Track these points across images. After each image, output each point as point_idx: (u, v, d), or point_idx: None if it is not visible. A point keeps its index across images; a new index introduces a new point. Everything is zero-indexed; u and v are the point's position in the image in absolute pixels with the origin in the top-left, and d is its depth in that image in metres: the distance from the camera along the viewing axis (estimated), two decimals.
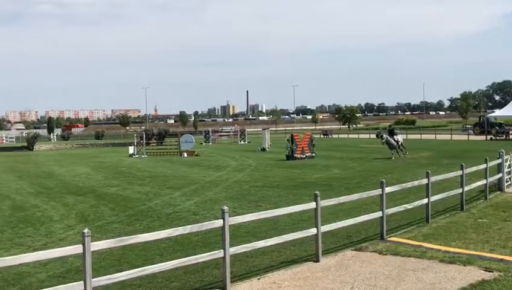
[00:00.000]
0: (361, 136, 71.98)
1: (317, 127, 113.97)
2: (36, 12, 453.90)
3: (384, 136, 32.43)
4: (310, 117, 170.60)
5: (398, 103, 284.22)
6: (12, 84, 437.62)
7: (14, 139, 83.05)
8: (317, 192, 9.69)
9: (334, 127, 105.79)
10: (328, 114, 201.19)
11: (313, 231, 9.52)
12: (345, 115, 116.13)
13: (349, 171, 24.59)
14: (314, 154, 33.78)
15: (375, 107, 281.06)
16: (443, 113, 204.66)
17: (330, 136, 76.94)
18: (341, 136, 76.10)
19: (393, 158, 29.99)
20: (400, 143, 31.77)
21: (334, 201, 10.58)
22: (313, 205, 9.55)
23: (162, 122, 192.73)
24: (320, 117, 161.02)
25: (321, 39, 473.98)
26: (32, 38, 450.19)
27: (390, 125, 34.71)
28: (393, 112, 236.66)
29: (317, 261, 9.34)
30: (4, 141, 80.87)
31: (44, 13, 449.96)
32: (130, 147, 43.08)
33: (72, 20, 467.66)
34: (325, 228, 9.78)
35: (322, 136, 75.64)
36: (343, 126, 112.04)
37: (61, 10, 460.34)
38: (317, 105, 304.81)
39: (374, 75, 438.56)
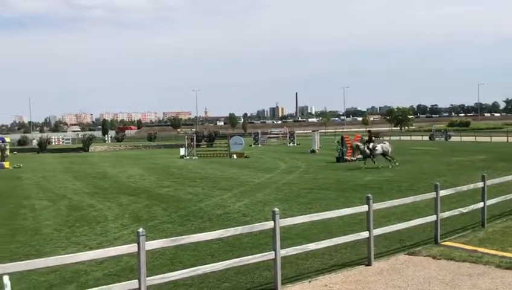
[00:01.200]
0: (414, 138, 70.60)
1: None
2: (89, 17, 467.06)
3: (356, 143, 30.03)
4: (360, 119, 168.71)
5: (451, 105, 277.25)
6: (68, 87, 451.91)
7: (70, 141, 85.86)
8: (369, 195, 9.58)
9: (385, 129, 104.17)
10: (379, 116, 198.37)
11: (365, 234, 9.40)
12: (396, 117, 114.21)
13: (401, 174, 24.13)
14: None
15: (428, 109, 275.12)
16: (498, 114, 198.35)
17: (381, 139, 75.64)
18: (392, 138, 74.78)
19: (363, 167, 27.15)
20: (376, 151, 28.09)
21: (386, 204, 10.41)
22: (365, 207, 9.44)
23: (212, 124, 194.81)
24: (371, 119, 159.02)
25: (372, 40, 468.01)
26: (87, 43, 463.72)
27: (369, 131, 31.13)
28: (446, 114, 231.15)
29: (369, 264, 9.21)
30: (61, 143, 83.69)
31: (97, 18, 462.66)
32: (181, 149, 43.72)
33: (123, 25, 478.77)
34: (377, 231, 9.64)
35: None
36: (395, 128, 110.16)
37: (112, 15, 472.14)
38: (368, 107, 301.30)
39: (426, 76, 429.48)
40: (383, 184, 20.47)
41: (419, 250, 10.07)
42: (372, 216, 9.39)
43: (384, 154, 28.18)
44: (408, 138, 71.61)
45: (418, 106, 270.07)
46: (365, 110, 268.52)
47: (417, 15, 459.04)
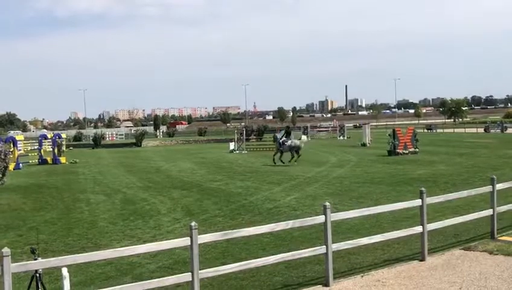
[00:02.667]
0: (468, 130, 68.70)
1: (421, 122, 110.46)
2: (142, 14, 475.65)
3: (274, 135, 29.76)
4: (412, 111, 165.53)
5: (507, 96, 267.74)
6: (121, 84, 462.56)
7: (123, 136, 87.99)
8: (422, 189, 9.39)
9: (439, 122, 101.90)
10: (432, 108, 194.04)
11: (419, 229, 9.22)
12: (450, 109, 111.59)
13: (456, 167, 23.54)
14: (417, 149, 32.69)
15: (483, 100, 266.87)
16: None
17: (434, 131, 74.24)
18: (446, 130, 73.09)
19: (275, 163, 27.32)
20: (285, 146, 27.78)
21: (441, 198, 10.18)
22: (418, 202, 9.26)
23: (261, 119, 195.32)
24: (424, 111, 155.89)
25: (422, 31, 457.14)
26: (139, 40, 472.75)
27: (288, 127, 30.56)
28: (502, 105, 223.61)
29: (422, 260, 9.04)
30: (114, 138, 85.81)
31: (150, 15, 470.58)
32: (230, 143, 44.03)
33: (176, 21, 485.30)
34: (431, 226, 9.45)
35: (425, 130, 73.13)
36: (448, 120, 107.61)
37: (165, 11, 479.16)
38: (420, 99, 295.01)
39: (480, 66, 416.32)
40: (437, 178, 20.02)
41: (475, 245, 9.81)
42: (425, 210, 9.21)
43: (291, 149, 27.67)
44: (462, 130, 69.74)
45: (473, 97, 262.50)
46: (417, 102, 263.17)
47: (467, 6, 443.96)
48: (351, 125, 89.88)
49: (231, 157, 36.27)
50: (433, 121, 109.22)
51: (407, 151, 31.83)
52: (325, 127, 73.82)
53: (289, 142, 27.98)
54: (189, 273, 6.88)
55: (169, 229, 12.37)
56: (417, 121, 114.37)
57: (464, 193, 10.76)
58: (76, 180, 24.07)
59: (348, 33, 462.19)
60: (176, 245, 7.34)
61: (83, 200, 17.56)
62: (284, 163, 27.19)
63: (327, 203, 8.13)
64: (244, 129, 50.07)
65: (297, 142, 28.25)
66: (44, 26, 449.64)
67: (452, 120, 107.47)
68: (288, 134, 28.97)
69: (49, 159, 36.03)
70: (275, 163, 27.61)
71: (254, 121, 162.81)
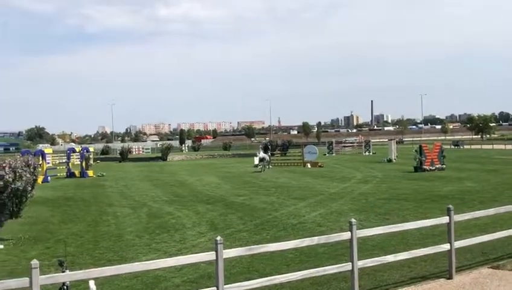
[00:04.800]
0: (496, 146, 67.55)
1: (448, 138, 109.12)
2: (170, 30, 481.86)
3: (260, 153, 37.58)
4: (439, 127, 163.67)
5: None
6: (148, 98, 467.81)
7: (149, 150, 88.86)
8: (450, 206, 9.27)
9: (466, 138, 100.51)
10: (459, 124, 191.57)
11: (446, 246, 9.10)
12: (477, 125, 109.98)
13: (483, 184, 23.17)
14: (444, 166, 32.29)
15: (511, 116, 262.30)
16: None
17: (461, 147, 73.20)
18: (473, 146, 72.03)
19: (261, 171, 34.64)
20: (261, 157, 36.57)
21: (468, 215, 10.04)
22: (445, 219, 9.14)
23: (285, 133, 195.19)
24: (451, 127, 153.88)
25: (449, 46, 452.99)
26: (166, 55, 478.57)
27: (266, 143, 40.00)
28: None
29: (450, 278, 8.91)
30: (141, 152, 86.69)
31: (177, 31, 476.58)
32: (255, 158, 44.05)
33: (202, 37, 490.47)
34: (459, 244, 9.31)
35: (452, 146, 72.19)
36: (476, 136, 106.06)
37: (192, 27, 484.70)
38: (447, 114, 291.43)
39: (508, 82, 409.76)
40: (464, 195, 19.73)
41: (504, 264, 9.63)
42: (453, 228, 9.09)
43: (261, 160, 36.48)
44: (490, 146, 68.54)
45: (500, 113, 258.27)
46: (444, 118, 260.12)
47: (494, 23, 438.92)
48: (378, 141, 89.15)
49: (255, 172, 36.30)
50: (460, 137, 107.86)
51: (433, 168, 31.45)
52: (350, 143, 73.35)
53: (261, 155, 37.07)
54: (214, 288, 6.90)
55: (194, 243, 12.43)
56: (444, 137, 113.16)
57: (492, 211, 10.59)
58: (103, 194, 24.38)
59: (373, 47, 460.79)
60: (201, 259, 7.38)
61: (110, 214, 17.76)
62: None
63: (353, 220, 8.09)
64: (268, 144, 50.06)
65: (264, 155, 37.23)
66: (74, 42, 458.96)
67: (479, 136, 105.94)
68: (266, 148, 39.60)
69: (76, 173, 36.57)
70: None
71: (278, 136, 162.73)
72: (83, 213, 18.07)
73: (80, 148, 40.73)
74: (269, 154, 39.52)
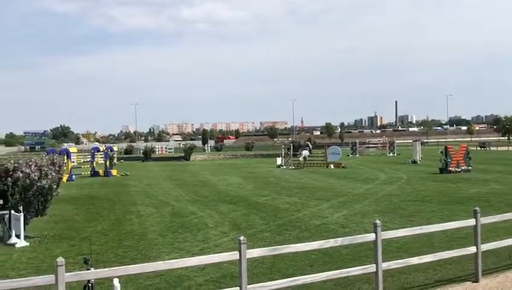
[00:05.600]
0: None
1: (473, 139, 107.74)
2: (193, 30, 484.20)
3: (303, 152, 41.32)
4: (464, 128, 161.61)
5: None
6: (171, 98, 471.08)
7: (172, 150, 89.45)
8: (476, 208, 9.11)
9: (492, 139, 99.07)
10: (485, 125, 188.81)
11: (472, 249, 8.94)
12: (504, 126, 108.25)
13: (510, 186, 22.76)
14: (470, 167, 31.83)
15: None
16: None
17: (488, 149, 72.12)
18: (500, 148, 70.90)
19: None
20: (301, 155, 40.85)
21: (495, 218, 9.85)
22: (472, 221, 8.99)
23: (308, 134, 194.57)
24: (477, 128, 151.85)
25: (475, 46, 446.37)
26: (188, 55, 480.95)
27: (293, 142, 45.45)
28: None
29: (476, 281, 8.76)
30: (164, 152, 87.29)
31: (199, 31, 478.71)
32: (277, 158, 44.04)
33: (224, 37, 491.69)
34: (485, 247, 9.15)
35: (478, 148, 71.17)
36: (503, 138, 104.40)
37: (214, 28, 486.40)
38: (473, 115, 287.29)
39: None
40: (491, 197, 19.41)
41: None
42: (480, 230, 8.93)
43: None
44: None
45: None
46: (470, 119, 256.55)
47: None
48: (402, 142, 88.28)
49: (278, 172, 36.26)
50: (487, 138, 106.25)
51: (459, 169, 31.03)
52: (374, 143, 72.77)
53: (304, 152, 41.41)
54: (238, 287, 6.88)
55: (217, 243, 12.43)
56: (470, 139, 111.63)
57: None
58: (127, 193, 24.58)
59: (398, 48, 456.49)
60: (225, 259, 7.36)
61: (133, 212, 17.90)
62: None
63: (378, 221, 8.00)
64: (291, 144, 49.93)
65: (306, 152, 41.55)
66: (98, 43, 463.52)
67: (506, 138, 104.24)
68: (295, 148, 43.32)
69: (101, 171, 36.97)
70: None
71: (301, 136, 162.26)
72: (106, 212, 18.24)
73: (104, 148, 41.14)
74: (309, 150, 43.43)
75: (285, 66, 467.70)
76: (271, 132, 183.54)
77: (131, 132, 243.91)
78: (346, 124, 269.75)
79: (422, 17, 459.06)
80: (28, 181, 13.88)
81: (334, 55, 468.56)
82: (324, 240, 8.28)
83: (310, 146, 45.97)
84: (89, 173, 37.64)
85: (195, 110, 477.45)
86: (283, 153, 44.09)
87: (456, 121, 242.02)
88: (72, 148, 46.59)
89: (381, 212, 16.41)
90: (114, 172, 36.69)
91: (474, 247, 8.94)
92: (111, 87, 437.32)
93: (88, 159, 41.27)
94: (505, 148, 70.35)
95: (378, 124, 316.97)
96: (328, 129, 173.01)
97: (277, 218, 15.91)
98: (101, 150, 41.74)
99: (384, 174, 31.22)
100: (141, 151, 67.10)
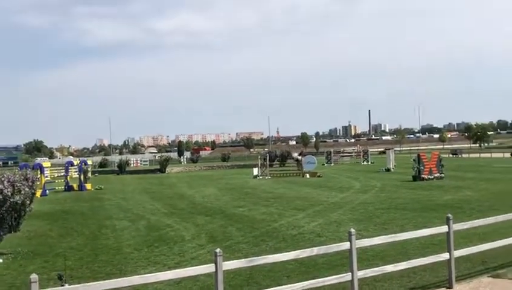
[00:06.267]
0: (494, 155, 67.68)
1: (446, 146, 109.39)
2: (168, 42, 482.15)
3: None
4: (437, 136, 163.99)
5: None
6: (146, 110, 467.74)
7: (147, 162, 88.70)
8: (449, 215, 9.28)
9: (464, 146, 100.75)
10: (457, 132, 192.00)
11: (445, 255, 9.09)
12: (475, 133, 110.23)
13: (482, 193, 23.19)
14: (442, 175, 32.33)
15: (509, 124, 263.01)
16: None
17: (460, 156, 73.34)
18: (472, 155, 72.18)
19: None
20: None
21: (467, 225, 10.04)
22: (444, 228, 9.15)
23: (284, 144, 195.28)
24: (449, 136, 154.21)
25: (446, 55, 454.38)
26: (163, 67, 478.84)
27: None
28: None
29: (450, 287, 8.91)
30: (139, 164, 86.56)
31: (174, 43, 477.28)
32: (254, 169, 44.09)
33: (199, 48, 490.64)
34: (458, 253, 9.31)
35: (450, 155, 72.31)
36: (474, 145, 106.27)
37: (189, 39, 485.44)
38: (445, 123, 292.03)
39: (506, 89, 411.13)
40: (463, 203, 19.75)
41: (504, 272, 9.62)
42: (452, 237, 9.09)
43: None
44: (488, 155, 68.73)
45: (498, 122, 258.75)
46: (442, 126, 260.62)
47: (488, 32, 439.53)
48: (376, 150, 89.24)
49: (255, 182, 36.30)
50: (458, 146, 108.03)
51: (432, 177, 31.50)
52: (349, 152, 73.40)
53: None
54: None
55: (194, 256, 12.40)
56: (442, 146, 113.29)
57: (491, 220, 10.59)
58: (101, 207, 24.33)
59: (371, 57, 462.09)
60: (201, 272, 7.36)
61: (108, 227, 17.72)
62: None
63: (352, 230, 8.09)
64: (267, 155, 50.10)
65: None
66: (71, 56, 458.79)
67: (478, 145, 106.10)
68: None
69: (75, 186, 36.49)
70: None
71: (277, 146, 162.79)
72: (81, 227, 18.02)
73: (78, 161, 40.68)
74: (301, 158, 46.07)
75: (260, 76, 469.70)
76: (247, 143, 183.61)
77: (106, 145, 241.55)
78: (321, 133, 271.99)
79: (394, 26, 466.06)
80: (0, 197, 13.64)
81: (308, 65, 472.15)
82: (300, 250, 8.34)
83: (300, 158, 46.75)
84: (63, 187, 37.11)
85: (171, 122, 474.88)
86: (259, 163, 44.21)
87: (428, 129, 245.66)
88: (46, 163, 45.92)
89: (356, 221, 16.56)
90: (88, 186, 36.25)
91: (448, 253, 9.09)
92: (85, 100, 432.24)
93: (62, 174, 40.74)
94: (477, 155, 71.64)
95: (353, 133, 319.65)
96: (303, 139, 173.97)
97: (254, 229, 15.93)
98: (75, 163, 41.24)
99: (359, 183, 31.51)
100: (116, 165, 66.49)
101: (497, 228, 12.97)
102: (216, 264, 6.85)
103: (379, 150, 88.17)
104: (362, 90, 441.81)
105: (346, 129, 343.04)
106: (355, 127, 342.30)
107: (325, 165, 57.21)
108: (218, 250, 6.94)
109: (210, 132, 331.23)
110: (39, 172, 33.49)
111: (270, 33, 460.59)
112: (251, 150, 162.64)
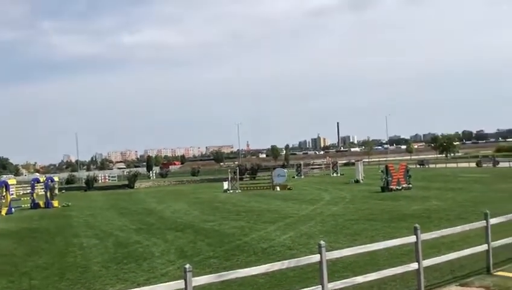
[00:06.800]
0: (460, 165, 69.03)
1: (413, 157, 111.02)
2: (136, 57, 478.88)
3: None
4: (404, 147, 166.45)
5: (498, 129, 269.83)
6: (113, 126, 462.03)
7: (116, 178, 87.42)
8: (417, 225, 9.38)
9: (431, 157, 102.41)
10: (423, 143, 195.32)
11: (414, 265, 9.18)
12: (441, 144, 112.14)
13: (449, 202, 23.57)
14: (410, 185, 32.78)
15: (474, 135, 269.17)
16: None
17: (426, 166, 74.48)
18: (438, 165, 73.38)
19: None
20: None
21: (435, 234, 10.17)
22: (413, 238, 9.24)
23: (254, 157, 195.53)
24: (415, 147, 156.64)
25: (412, 67, 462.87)
26: (129, 82, 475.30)
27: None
28: (493, 139, 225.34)
29: None
30: (107, 180, 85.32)
31: (141, 57, 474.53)
32: (224, 183, 43.94)
33: (167, 63, 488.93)
34: (427, 262, 9.40)
35: (417, 166, 73.40)
36: (440, 155, 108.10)
37: (156, 54, 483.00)
38: (412, 134, 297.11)
39: (470, 101, 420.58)
40: (431, 213, 20.03)
41: (472, 281, 9.77)
42: (420, 247, 9.18)
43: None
44: (454, 165, 70.00)
45: (463, 132, 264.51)
46: (408, 137, 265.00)
47: (453, 44, 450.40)
48: (343, 162, 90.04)
49: (225, 196, 36.17)
50: (425, 156, 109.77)
51: (400, 187, 31.90)
52: (318, 165, 73.84)
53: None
54: None
55: (163, 272, 12.23)
56: (409, 157, 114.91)
57: (458, 229, 10.75)
58: (68, 224, 23.88)
59: (339, 69, 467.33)
60: (170, 288, 7.23)
61: (76, 244, 17.39)
62: None
63: (322, 242, 8.10)
64: (237, 168, 50.02)
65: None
66: (37, 72, 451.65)
67: (444, 155, 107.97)
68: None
69: (41, 203, 35.76)
70: None
71: (248, 159, 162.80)
72: (48, 245, 17.64)
73: (44, 178, 39.94)
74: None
75: (227, 91, 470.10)
76: (217, 156, 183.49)
77: (73, 161, 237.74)
78: (291, 146, 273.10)
79: (361, 39, 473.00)
80: None
81: (276, 78, 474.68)
82: (271, 264, 8.30)
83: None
84: (29, 205, 36.32)
85: (139, 137, 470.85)
86: (230, 177, 44.08)
87: (395, 140, 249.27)
88: (11, 180, 44.83)
89: (326, 233, 16.62)
90: (55, 203, 35.57)
91: (416, 263, 9.17)
92: (51, 116, 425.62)
93: (28, 191, 39.98)
94: (443, 165, 72.86)
95: (322, 145, 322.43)
96: (273, 151, 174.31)
97: (224, 243, 15.83)
98: (41, 180, 40.47)
99: (329, 195, 31.69)
100: (83, 181, 65.47)
101: (465, 237, 13.19)
102: (186, 280, 6.77)
103: (343, 162, 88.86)
104: (331, 102, 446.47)
105: (316, 141, 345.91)
106: (324, 139, 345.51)
107: (295, 177, 57.40)
108: (187, 266, 6.86)
109: (179, 146, 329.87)
110: (4, 190, 32.73)
111: (238, 47, 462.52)
112: (221, 163, 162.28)
